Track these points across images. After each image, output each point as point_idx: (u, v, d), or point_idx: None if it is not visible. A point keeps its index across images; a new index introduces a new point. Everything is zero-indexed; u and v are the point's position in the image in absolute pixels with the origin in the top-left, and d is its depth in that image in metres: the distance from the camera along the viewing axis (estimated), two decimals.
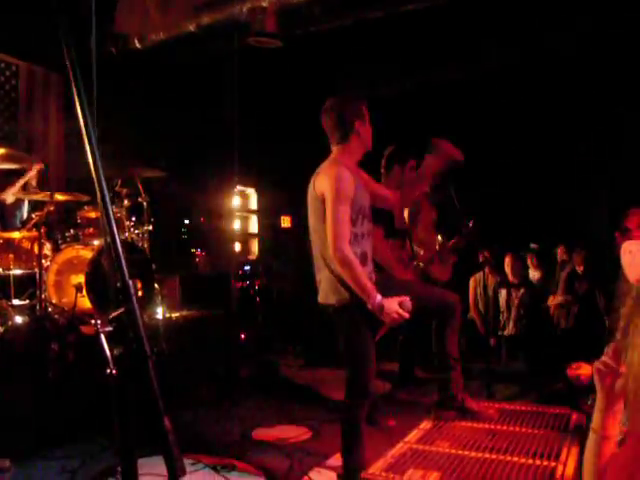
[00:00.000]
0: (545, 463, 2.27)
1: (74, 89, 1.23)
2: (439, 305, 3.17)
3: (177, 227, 7.65)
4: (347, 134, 2.92)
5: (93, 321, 1.15)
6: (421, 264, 4.83)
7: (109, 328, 1.15)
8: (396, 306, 2.69)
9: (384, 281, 2.92)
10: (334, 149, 3.00)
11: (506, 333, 6.34)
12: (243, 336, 6.38)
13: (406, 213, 5.30)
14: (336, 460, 3.49)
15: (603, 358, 1.41)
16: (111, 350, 1.15)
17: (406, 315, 2.70)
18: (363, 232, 2.87)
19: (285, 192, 8.01)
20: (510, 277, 6.38)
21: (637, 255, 1.52)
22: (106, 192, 1.21)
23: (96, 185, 1.22)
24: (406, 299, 2.73)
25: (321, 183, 2.82)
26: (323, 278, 2.90)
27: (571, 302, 6.04)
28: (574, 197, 7.44)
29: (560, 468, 2.20)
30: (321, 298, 2.94)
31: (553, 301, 6.24)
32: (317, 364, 6.36)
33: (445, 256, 5.10)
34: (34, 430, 3.68)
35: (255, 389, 5.22)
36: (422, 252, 5.08)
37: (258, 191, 8.10)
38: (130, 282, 1.15)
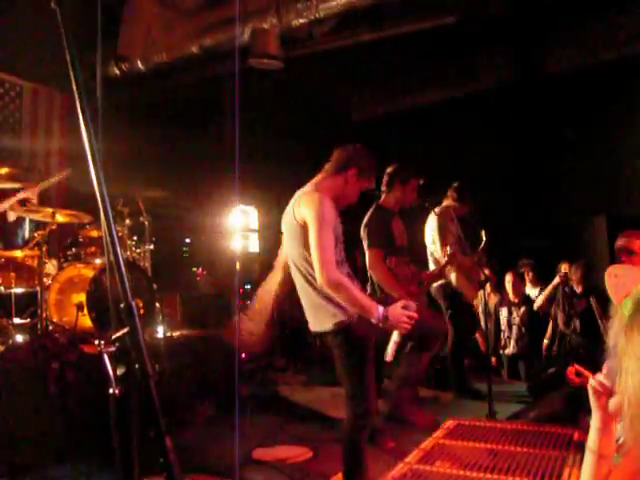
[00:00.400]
0: None
1: (79, 109, 1.25)
2: (430, 330, 3.17)
3: (178, 246, 7.67)
4: (339, 172, 2.99)
5: (97, 341, 1.15)
6: (424, 282, 4.81)
7: (112, 348, 1.16)
8: (401, 310, 2.66)
9: (380, 302, 2.91)
10: (319, 176, 3.03)
11: (507, 352, 6.32)
12: (243, 355, 6.36)
13: (435, 227, 5.23)
14: None
15: (598, 377, 1.42)
16: (114, 370, 1.16)
17: (415, 315, 2.68)
18: (343, 258, 2.87)
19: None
20: (511, 295, 6.38)
21: (622, 278, 1.54)
22: (110, 212, 1.22)
23: (100, 204, 1.23)
24: (409, 301, 2.71)
25: (302, 209, 2.80)
26: (312, 306, 2.86)
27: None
28: (573, 212, 7.49)
29: None
30: (315, 326, 2.89)
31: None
32: (318, 383, 6.33)
33: (474, 274, 5.06)
34: (33, 448, 3.66)
35: (255, 408, 5.19)
36: (453, 277, 5.04)
37: (259, 209, 8.12)
38: (133, 302, 1.17)
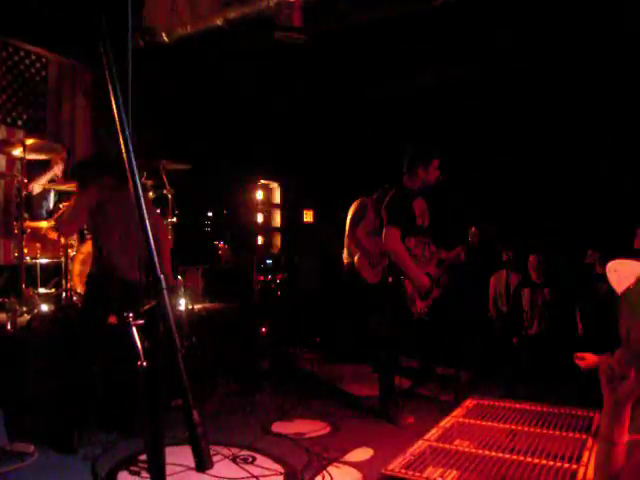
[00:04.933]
0: (566, 465, 2.24)
1: (110, 84, 1.25)
2: None
3: (201, 220, 7.71)
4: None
5: (125, 314, 1.16)
6: (444, 262, 4.73)
7: (141, 321, 1.17)
8: None
9: None
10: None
11: (529, 333, 6.28)
12: (264, 329, 6.41)
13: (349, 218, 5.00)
14: (354, 456, 3.51)
15: (610, 363, 1.41)
16: (142, 342, 1.16)
17: None
18: None
19: (308, 187, 8.02)
20: (534, 276, 6.32)
21: (622, 273, 1.63)
22: (139, 185, 1.22)
23: (130, 178, 1.23)
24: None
25: None
26: None
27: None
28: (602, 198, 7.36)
29: (582, 471, 2.18)
30: None
31: None
32: (337, 359, 6.37)
33: (376, 260, 4.74)
34: (56, 417, 3.74)
35: (275, 382, 5.25)
36: (356, 258, 4.73)
37: (281, 185, 8.11)
38: (162, 275, 1.17)
